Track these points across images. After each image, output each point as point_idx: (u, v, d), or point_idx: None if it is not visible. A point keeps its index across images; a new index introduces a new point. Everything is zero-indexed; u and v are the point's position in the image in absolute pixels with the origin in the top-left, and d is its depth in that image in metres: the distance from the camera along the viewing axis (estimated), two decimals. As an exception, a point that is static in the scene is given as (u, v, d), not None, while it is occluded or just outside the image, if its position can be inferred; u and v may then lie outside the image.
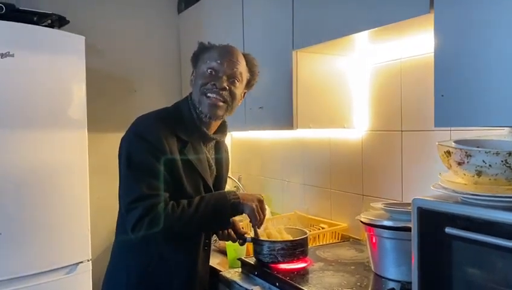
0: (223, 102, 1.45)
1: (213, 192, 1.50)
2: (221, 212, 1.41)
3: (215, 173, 1.59)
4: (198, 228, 1.45)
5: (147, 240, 1.36)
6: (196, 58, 1.52)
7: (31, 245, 1.96)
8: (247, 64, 1.52)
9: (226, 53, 1.47)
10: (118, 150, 1.45)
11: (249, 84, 1.56)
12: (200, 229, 1.48)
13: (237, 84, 1.47)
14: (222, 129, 1.59)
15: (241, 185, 2.67)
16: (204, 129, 1.49)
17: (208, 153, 1.55)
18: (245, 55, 1.54)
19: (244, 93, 1.58)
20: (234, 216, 1.49)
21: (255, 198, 1.48)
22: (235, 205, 1.42)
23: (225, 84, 1.44)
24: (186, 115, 1.48)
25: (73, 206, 2.11)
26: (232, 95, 1.46)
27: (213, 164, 1.57)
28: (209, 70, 1.44)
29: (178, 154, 1.41)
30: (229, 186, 2.14)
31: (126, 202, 1.36)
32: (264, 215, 1.51)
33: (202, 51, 1.51)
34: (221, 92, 1.43)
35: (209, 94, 1.44)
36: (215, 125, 1.54)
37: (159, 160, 1.35)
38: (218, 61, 1.44)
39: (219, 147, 1.63)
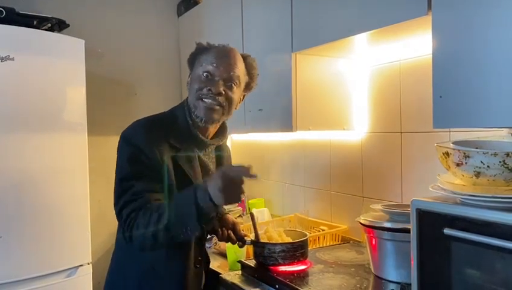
0: (219, 106, 1.39)
1: (185, 190, 1.26)
2: (187, 218, 1.19)
3: None
4: (167, 235, 1.22)
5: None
6: (193, 60, 1.46)
7: (31, 248, 1.96)
8: (245, 67, 1.47)
9: (223, 56, 1.40)
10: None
11: (247, 87, 1.50)
12: (171, 236, 1.23)
13: (234, 88, 1.41)
14: (222, 132, 1.53)
15: (241, 187, 2.66)
16: (200, 136, 1.43)
17: (207, 157, 1.51)
18: (244, 57, 1.47)
19: (244, 96, 1.52)
20: (209, 218, 1.24)
21: (226, 177, 1.15)
22: (204, 209, 1.17)
23: (221, 89, 1.37)
24: (181, 121, 1.43)
25: (73, 209, 2.11)
26: (229, 100, 1.40)
27: (211, 168, 1.52)
28: (204, 73, 1.39)
29: (170, 160, 1.35)
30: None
31: (115, 211, 1.33)
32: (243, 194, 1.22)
33: (199, 52, 1.45)
34: (217, 97, 1.37)
35: (204, 99, 1.38)
36: (213, 129, 1.48)
37: (143, 164, 1.30)
38: (214, 65, 1.38)
39: (220, 151, 1.58)
